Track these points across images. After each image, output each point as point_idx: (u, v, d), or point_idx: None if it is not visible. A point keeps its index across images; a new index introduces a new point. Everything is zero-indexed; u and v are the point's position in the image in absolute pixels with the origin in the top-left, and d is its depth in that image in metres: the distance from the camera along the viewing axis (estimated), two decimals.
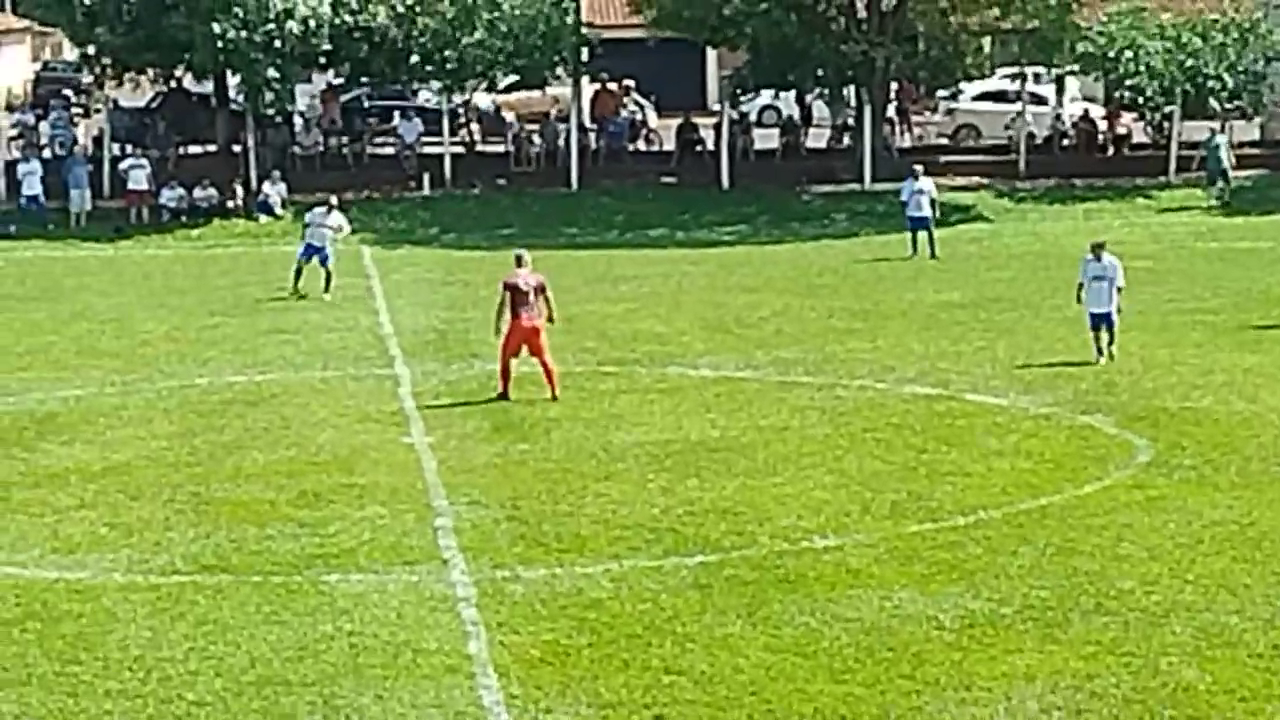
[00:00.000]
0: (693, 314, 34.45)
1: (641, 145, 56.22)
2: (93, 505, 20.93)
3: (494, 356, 29.67)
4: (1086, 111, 56.16)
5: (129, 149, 52.37)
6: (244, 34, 47.02)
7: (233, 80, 51.46)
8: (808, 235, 47.25)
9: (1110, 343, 28.37)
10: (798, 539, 19.19)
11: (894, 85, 54.89)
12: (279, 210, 49.22)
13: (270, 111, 52.37)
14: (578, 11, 53.78)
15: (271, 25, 47.27)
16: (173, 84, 54.09)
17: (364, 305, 36.16)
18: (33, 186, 49.05)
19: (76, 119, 57.43)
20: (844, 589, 17.48)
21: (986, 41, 53.67)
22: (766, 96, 59.90)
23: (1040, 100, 56.70)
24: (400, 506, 20.67)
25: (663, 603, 17.17)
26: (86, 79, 59.75)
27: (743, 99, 56.04)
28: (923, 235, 42.07)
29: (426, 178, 51.60)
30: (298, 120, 54.75)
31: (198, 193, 49.91)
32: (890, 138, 54.47)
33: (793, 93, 56.63)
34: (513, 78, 56.14)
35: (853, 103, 53.71)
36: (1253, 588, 17.29)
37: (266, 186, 49.78)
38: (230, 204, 49.83)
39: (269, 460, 23.01)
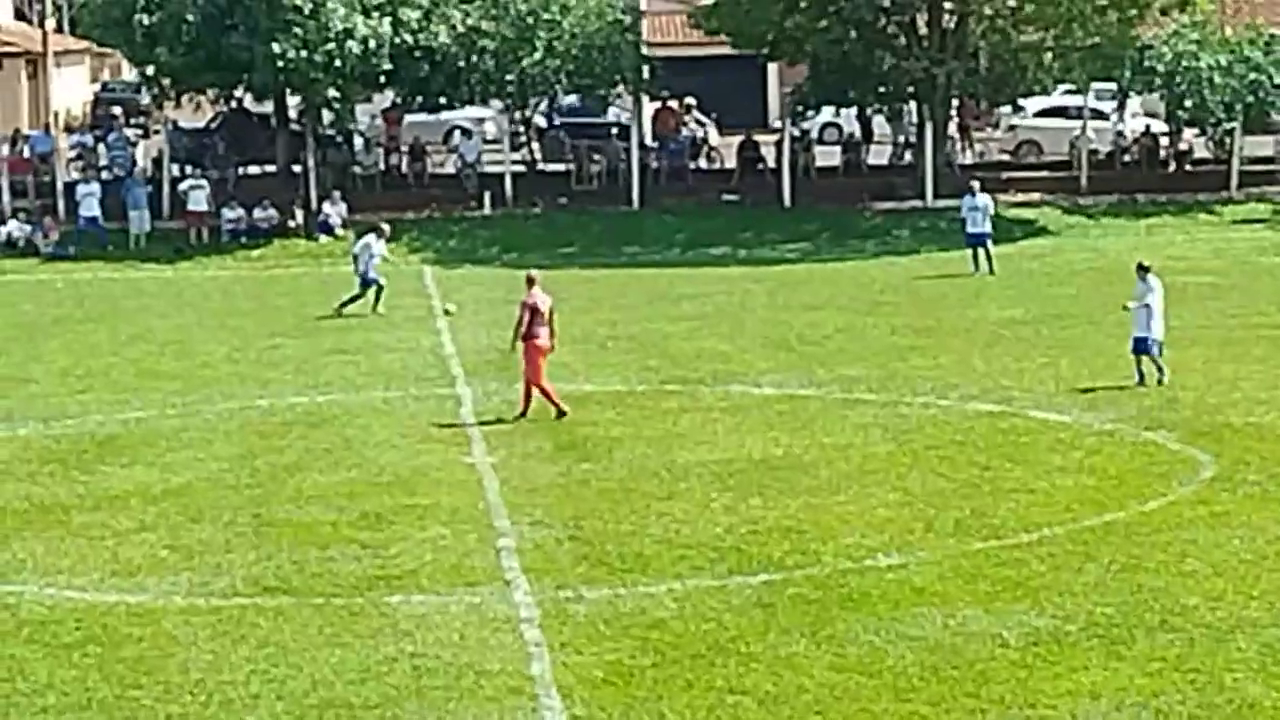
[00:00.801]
0: (755, 332, 34.40)
1: (703, 163, 56.19)
2: (153, 528, 20.99)
3: (555, 376, 29.67)
4: (1148, 127, 55.91)
5: (189, 170, 52.68)
6: (304, 54, 47.16)
7: (292, 100, 51.63)
8: (870, 252, 47.14)
9: (1158, 368, 27.89)
10: (861, 557, 19.12)
11: (955, 102, 54.71)
12: (339, 230, 49.37)
13: (330, 131, 52.62)
14: (637, 30, 53.80)
15: (331, 45, 47.42)
16: (232, 104, 54.30)
17: (425, 325, 36.21)
18: (91, 208, 49.29)
19: (136, 140, 57.69)
20: (908, 607, 17.41)
21: (1048, 57, 53.38)
22: (828, 113, 59.77)
23: (1101, 116, 56.47)
24: (462, 527, 20.67)
25: (726, 622, 17.13)
26: (146, 100, 59.97)
27: (804, 116, 55.95)
28: (982, 251, 41.93)
29: (488, 196, 51.69)
30: (358, 140, 54.92)
31: (257, 213, 50.12)
32: (952, 154, 54.31)
33: (854, 109, 56.53)
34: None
35: (914, 119, 53.58)
36: None
37: (327, 206, 49.97)
38: (290, 224, 50.03)
39: (330, 481, 23.05)
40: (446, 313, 35.32)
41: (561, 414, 26.23)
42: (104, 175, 52.99)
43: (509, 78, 51.25)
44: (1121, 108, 56.69)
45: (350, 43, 47.61)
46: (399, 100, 55.56)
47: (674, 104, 56.08)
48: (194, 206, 49.80)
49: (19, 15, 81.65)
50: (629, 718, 14.95)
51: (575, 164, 54.29)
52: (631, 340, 33.79)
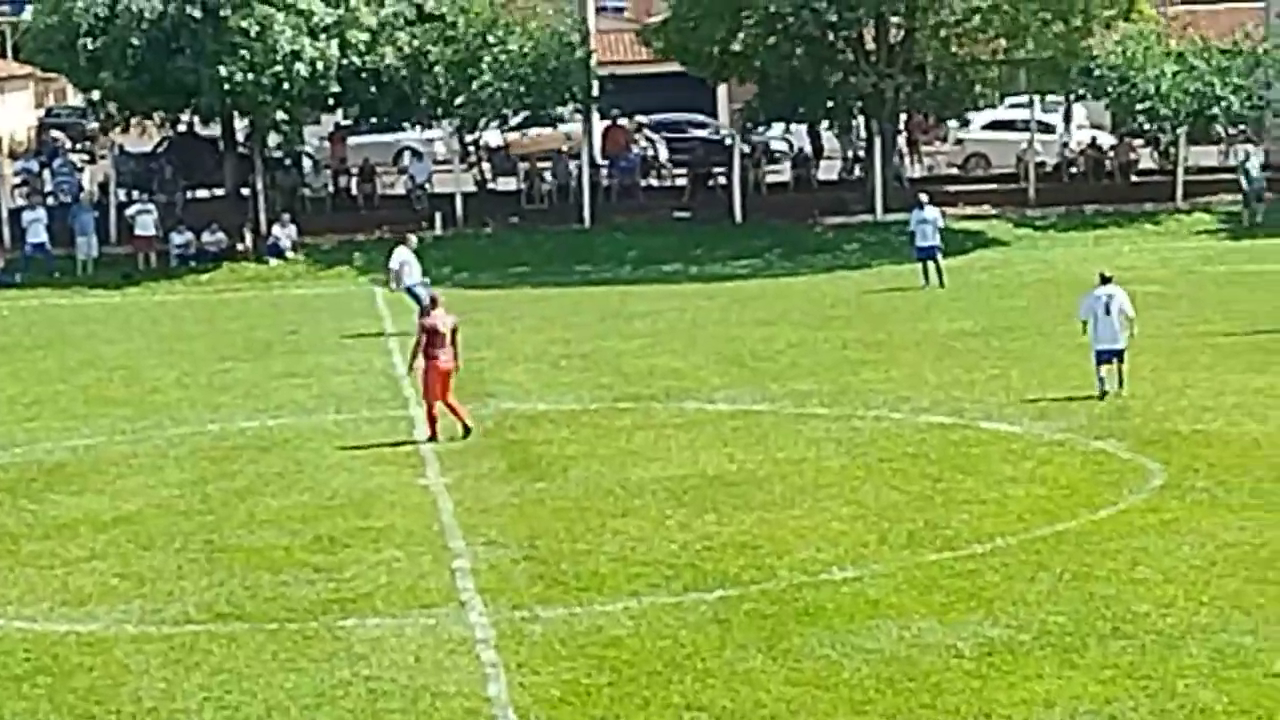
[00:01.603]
0: (708, 348, 34.44)
1: (654, 180, 56.27)
2: (103, 555, 20.87)
3: (509, 395, 29.77)
4: (1094, 139, 56.21)
5: (136, 194, 52.49)
6: (251, 76, 47.07)
7: (240, 123, 51.53)
8: (821, 267, 47.27)
9: (1120, 379, 27.91)
10: (816, 571, 19.15)
11: (903, 116, 54.91)
12: (289, 253, 49.31)
13: (279, 154, 52.51)
14: (587, 48, 53.88)
15: (279, 67, 47.34)
16: (179, 128, 54.09)
17: (377, 347, 36.13)
18: (38, 234, 49.11)
19: (82, 165, 57.50)
20: (863, 620, 17.44)
21: (995, 71, 53.67)
22: (778, 130, 59.93)
23: (1048, 128, 56.75)
24: (417, 549, 20.63)
25: (682, 639, 17.13)
26: (92, 125, 59.78)
27: (755, 132, 56.11)
28: (932, 264, 42.09)
29: (439, 217, 51.67)
30: (306, 162, 54.84)
31: (206, 237, 50.04)
32: (901, 168, 54.49)
33: (802, 126, 56.70)
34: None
35: (863, 134, 53.76)
36: (1267, 608, 17.25)
37: (276, 229, 49.91)
38: (239, 247, 49.96)
39: (282, 505, 22.97)
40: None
41: (433, 438, 26.20)
42: (50, 201, 52.75)
43: (458, 99, 51.24)
44: (1068, 120, 56.96)
45: (298, 65, 47.54)
46: (343, 122, 55.53)
47: (624, 122, 56.16)
48: (142, 231, 49.67)
49: None
50: None
51: (526, 183, 54.31)
52: (584, 358, 33.80)
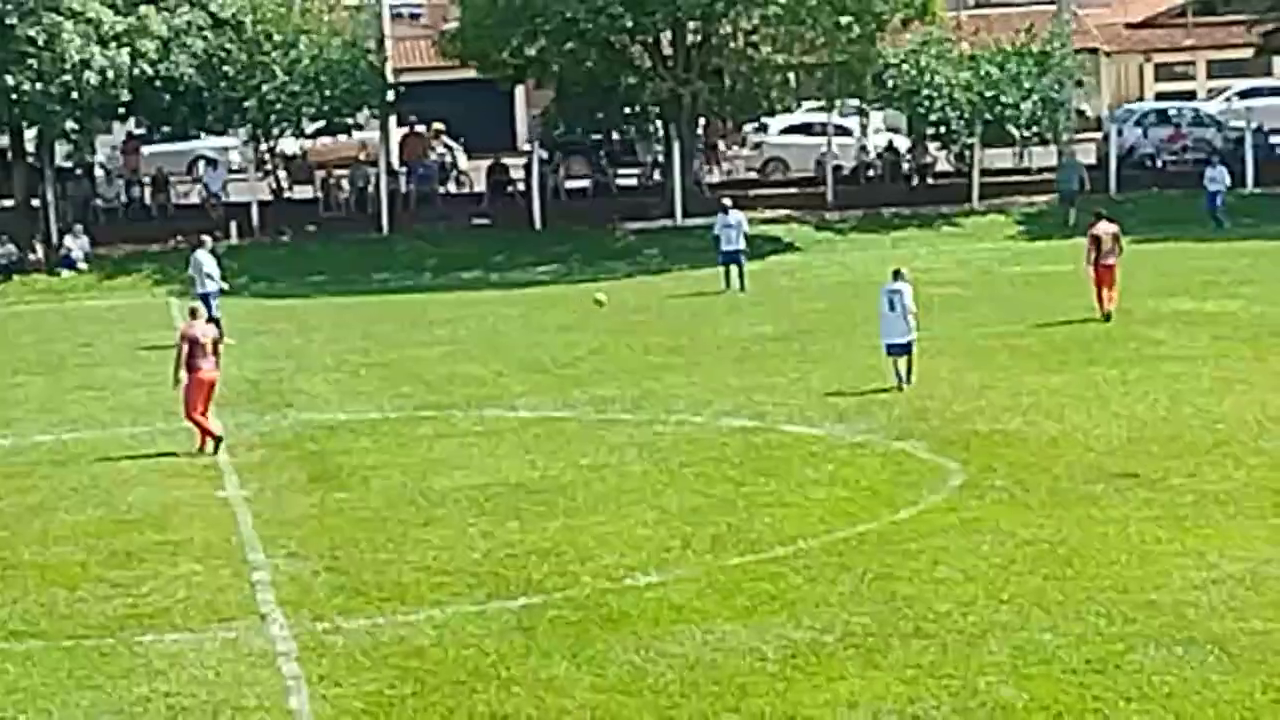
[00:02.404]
0: (509, 355, 34.33)
1: (452, 187, 56.05)
2: None
3: (309, 406, 29.52)
4: (891, 142, 56.86)
5: None
6: (39, 86, 46.27)
7: (29, 133, 50.59)
8: (621, 273, 47.38)
9: (909, 369, 28.71)
10: (620, 577, 19.13)
11: (702, 121, 55.16)
12: (81, 265, 48.49)
13: (69, 164, 51.63)
14: (381, 54, 53.55)
15: (68, 77, 46.58)
16: None
17: (172, 358, 35.45)
18: None
19: None
20: (667, 625, 17.45)
21: (792, 75, 54.13)
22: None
23: (845, 132, 57.31)
24: (216, 562, 20.35)
25: (486, 647, 17.03)
26: None
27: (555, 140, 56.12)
28: (735, 268, 42.32)
29: (234, 226, 51.06)
30: (99, 172, 53.96)
31: None
32: (700, 173, 54.74)
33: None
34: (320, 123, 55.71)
35: (661, 139, 53.91)
36: (1065, 605, 17.49)
37: (68, 240, 49.09)
38: (30, 259, 49.03)
39: (78, 520, 22.55)
40: (598, 303, 36.84)
41: (203, 448, 26.02)
42: None
43: (250, 104, 50.69)
44: (865, 124, 57.55)
45: (88, 74, 46.79)
46: (136, 131, 54.74)
47: (422, 128, 55.89)
48: None
49: None
50: None
51: (323, 191, 53.87)
52: (385, 367, 33.56)
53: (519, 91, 66.75)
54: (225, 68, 50.10)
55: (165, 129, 53.79)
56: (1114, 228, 35.34)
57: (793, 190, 55.35)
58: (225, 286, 37.59)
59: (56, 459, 26.39)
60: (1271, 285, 38.52)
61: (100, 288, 47.74)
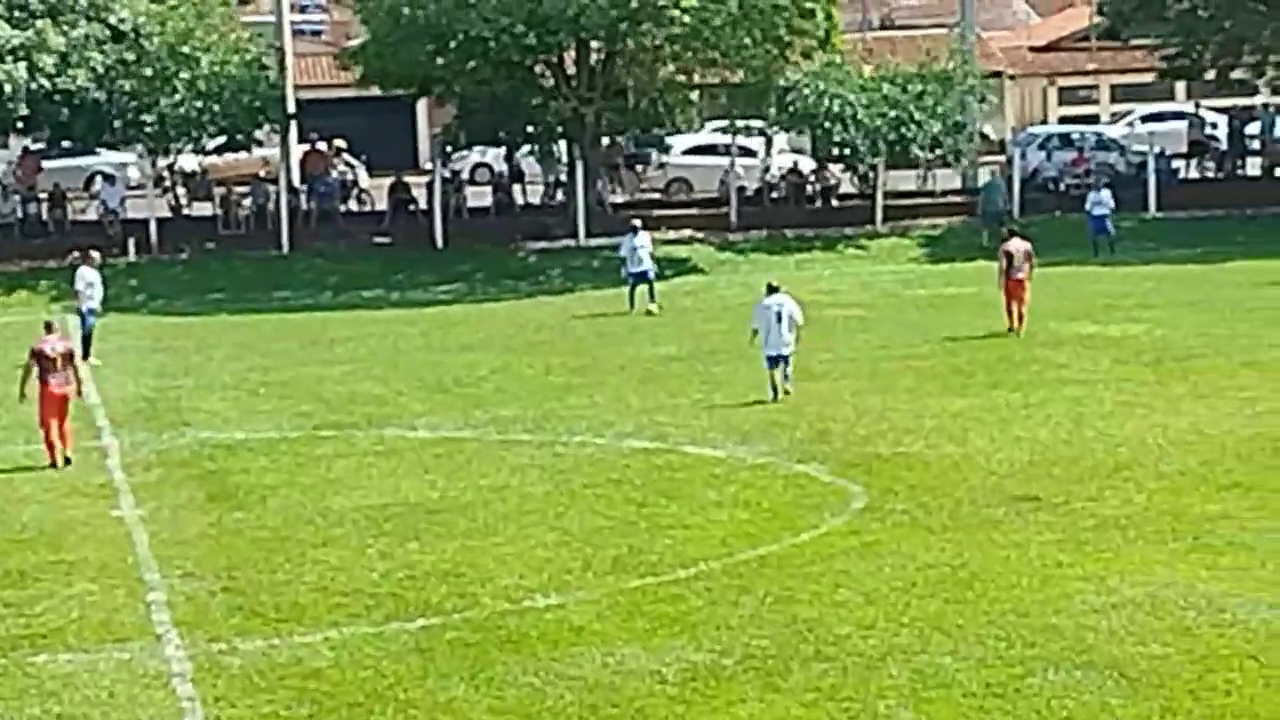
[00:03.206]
0: (410, 374, 34.14)
1: (353, 205, 55.72)
2: None
3: (207, 424, 29.28)
4: (795, 164, 56.99)
5: None
6: None
7: None
8: (524, 292, 47.26)
9: (786, 379, 29.51)
10: (519, 598, 19.03)
11: (605, 140, 55.10)
12: None
13: None
14: (281, 71, 53.23)
15: None
16: None
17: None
18: None
19: None
20: (567, 647, 17.35)
21: (695, 95, 54.16)
22: (478, 154, 59.86)
23: (750, 153, 57.42)
24: (111, 582, 20.10)
25: (384, 669, 16.89)
26: None
27: (454, 157, 55.91)
28: (642, 289, 42.22)
29: (132, 243, 50.58)
30: None
31: None
32: (603, 193, 54.67)
33: (503, 149, 56.60)
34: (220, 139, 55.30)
35: (565, 159, 53.82)
36: (965, 628, 17.51)
37: None
38: None
39: None
40: (649, 313, 37.40)
41: (53, 465, 25.86)
42: None
43: (149, 119, 50.26)
44: (769, 145, 57.65)
45: None
46: (33, 146, 54.17)
47: (323, 145, 55.58)
48: None
49: None
50: None
51: (223, 208, 53.44)
52: (284, 386, 33.30)
53: (421, 109, 66.57)
54: (124, 82, 49.65)
55: (63, 144, 53.22)
56: (1026, 245, 36.40)
57: (696, 211, 55.37)
58: (99, 310, 37.22)
59: None
60: (1173, 310, 38.85)
61: None
